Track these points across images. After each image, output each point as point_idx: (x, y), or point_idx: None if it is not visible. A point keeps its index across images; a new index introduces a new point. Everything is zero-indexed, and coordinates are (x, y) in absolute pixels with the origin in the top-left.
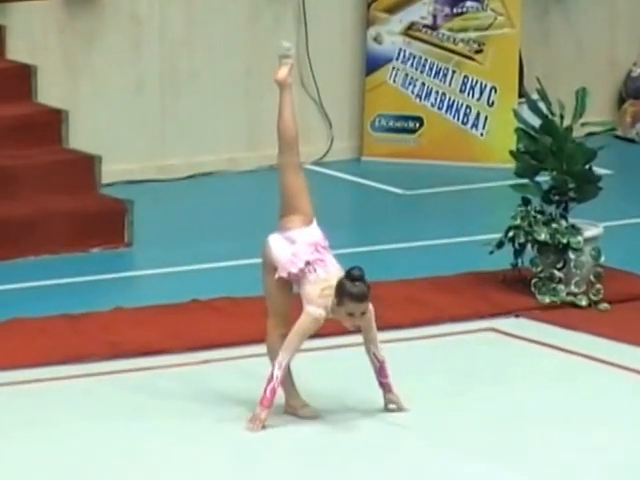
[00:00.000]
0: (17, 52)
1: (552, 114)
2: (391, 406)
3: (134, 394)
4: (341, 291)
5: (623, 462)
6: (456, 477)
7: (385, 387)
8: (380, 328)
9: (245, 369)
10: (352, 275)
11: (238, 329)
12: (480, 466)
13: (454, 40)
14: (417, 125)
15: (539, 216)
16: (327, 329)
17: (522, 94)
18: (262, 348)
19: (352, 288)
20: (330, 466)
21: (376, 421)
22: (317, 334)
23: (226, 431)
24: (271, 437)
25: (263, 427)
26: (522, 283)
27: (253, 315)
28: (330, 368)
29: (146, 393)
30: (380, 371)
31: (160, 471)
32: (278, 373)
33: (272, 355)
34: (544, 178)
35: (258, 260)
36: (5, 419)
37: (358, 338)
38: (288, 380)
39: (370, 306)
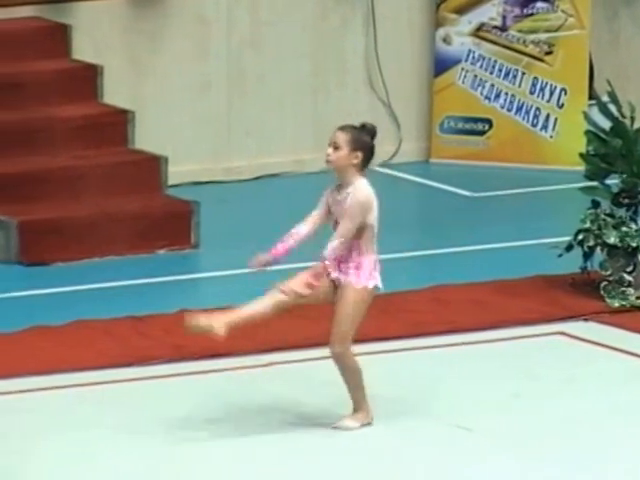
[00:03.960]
0: (83, 52)
1: (622, 116)
2: None
3: (198, 396)
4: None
5: None
6: None
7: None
8: (447, 331)
9: (309, 372)
10: (364, 125)
11: (304, 331)
12: (553, 470)
13: (524, 41)
14: (486, 127)
15: (609, 219)
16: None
17: (592, 96)
18: (325, 351)
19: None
20: (402, 472)
21: (442, 426)
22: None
23: (290, 433)
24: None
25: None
26: (591, 287)
27: (319, 317)
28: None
29: (210, 395)
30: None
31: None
32: (326, 253)
33: None
34: (614, 181)
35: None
36: (68, 421)
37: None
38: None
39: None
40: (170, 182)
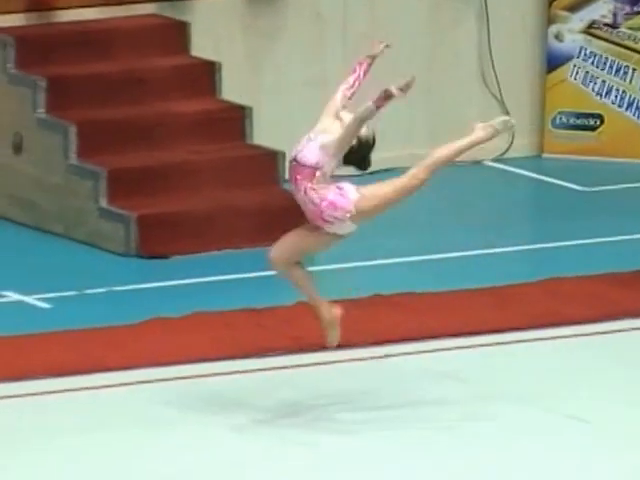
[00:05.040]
0: (202, 49)
1: None
2: None
3: (316, 387)
4: None
5: None
6: None
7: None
8: (561, 324)
9: (424, 364)
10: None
11: (419, 324)
12: None
13: (634, 39)
14: (597, 122)
15: None
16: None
17: None
18: (441, 343)
19: None
20: (520, 464)
21: (558, 418)
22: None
23: (408, 428)
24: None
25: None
26: None
27: (434, 310)
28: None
29: (327, 386)
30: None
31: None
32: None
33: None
34: None
35: (439, 256)
36: (181, 411)
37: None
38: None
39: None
40: (287, 176)
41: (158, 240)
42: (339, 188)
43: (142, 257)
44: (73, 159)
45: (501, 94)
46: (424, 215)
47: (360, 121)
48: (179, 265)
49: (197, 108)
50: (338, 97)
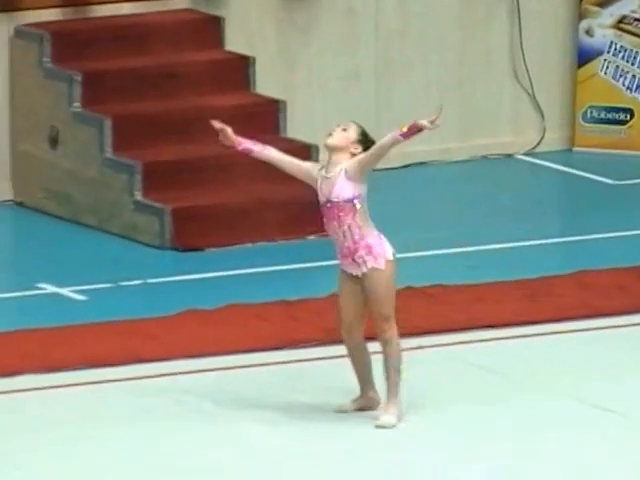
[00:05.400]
0: (235, 44)
1: None
2: None
3: (348, 379)
4: None
5: None
6: None
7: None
8: (591, 316)
9: (456, 355)
10: None
11: (451, 316)
12: None
13: None
14: (627, 117)
15: None
16: None
17: None
18: (473, 335)
19: None
20: (551, 454)
21: (590, 409)
22: None
23: (435, 412)
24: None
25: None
26: None
27: (466, 302)
28: None
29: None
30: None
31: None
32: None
33: None
34: None
35: (470, 248)
36: (215, 402)
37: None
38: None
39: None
40: None
41: (192, 233)
42: (379, 236)
43: (176, 250)
44: (108, 152)
45: (532, 89)
46: (456, 208)
47: (386, 149)
48: (213, 257)
49: (231, 102)
50: (280, 156)
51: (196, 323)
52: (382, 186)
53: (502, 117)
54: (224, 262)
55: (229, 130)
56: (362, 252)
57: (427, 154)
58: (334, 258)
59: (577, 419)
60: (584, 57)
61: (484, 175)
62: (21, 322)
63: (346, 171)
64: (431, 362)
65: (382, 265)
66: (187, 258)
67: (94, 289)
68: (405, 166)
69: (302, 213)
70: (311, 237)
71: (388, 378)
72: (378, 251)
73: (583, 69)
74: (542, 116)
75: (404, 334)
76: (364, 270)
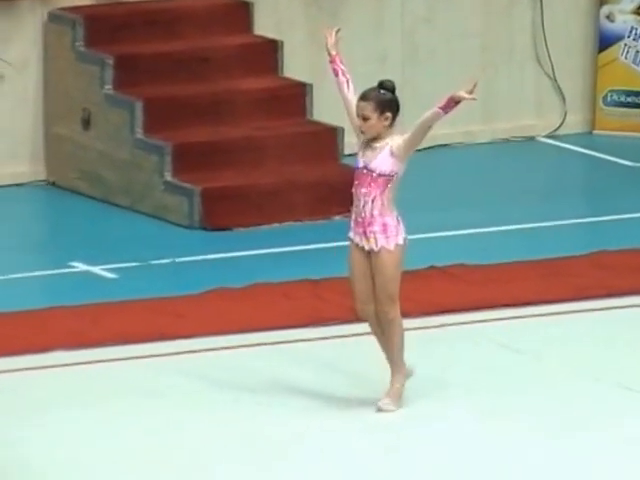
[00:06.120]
0: (264, 28)
1: None
2: None
3: (374, 357)
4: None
5: None
6: None
7: None
8: (607, 295)
9: (478, 334)
10: (381, 83)
11: (473, 295)
12: None
13: None
14: None
15: None
16: None
17: None
18: (494, 314)
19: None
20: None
21: (609, 387)
22: None
23: (458, 389)
24: None
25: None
26: None
27: (487, 281)
28: None
29: (382, 355)
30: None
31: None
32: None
33: None
34: None
35: (492, 229)
36: (243, 377)
37: None
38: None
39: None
40: (346, 152)
41: (221, 213)
42: (398, 219)
43: (205, 229)
44: (139, 134)
45: (554, 73)
46: (478, 189)
47: (428, 126)
48: (241, 237)
49: (260, 85)
50: (350, 98)
51: (224, 301)
52: (405, 168)
53: (524, 100)
54: (252, 242)
55: (334, 44)
56: (376, 228)
57: (450, 136)
58: None
59: (594, 396)
60: (605, 42)
61: (506, 157)
62: (53, 300)
63: (392, 148)
64: (453, 340)
65: (392, 247)
66: (216, 238)
67: (125, 268)
68: (428, 148)
69: (329, 194)
70: (337, 218)
71: (391, 359)
72: (392, 232)
73: (604, 54)
74: (563, 100)
75: (426, 312)
76: (374, 247)
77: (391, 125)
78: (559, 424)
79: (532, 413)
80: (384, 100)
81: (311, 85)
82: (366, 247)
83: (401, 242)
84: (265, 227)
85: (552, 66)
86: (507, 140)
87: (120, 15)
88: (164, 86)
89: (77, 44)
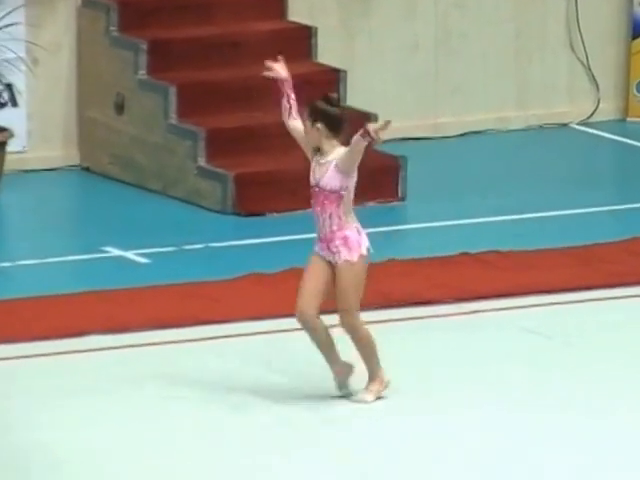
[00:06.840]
0: (298, 14)
1: None
2: None
3: (405, 341)
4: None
5: None
6: None
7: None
8: (632, 283)
9: (510, 320)
10: (325, 96)
11: (505, 281)
12: None
13: None
14: None
15: None
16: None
17: None
18: (526, 300)
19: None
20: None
21: None
22: None
23: (488, 373)
24: None
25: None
26: None
27: (519, 268)
28: None
29: (415, 341)
30: None
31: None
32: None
33: None
34: None
35: (525, 216)
36: (278, 361)
37: None
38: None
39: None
40: None
41: (254, 198)
42: (359, 231)
43: (238, 214)
44: (173, 119)
45: (588, 60)
46: (512, 176)
47: (354, 147)
48: (274, 222)
49: (293, 72)
50: (293, 125)
51: (257, 286)
52: (438, 154)
53: (558, 87)
54: (285, 227)
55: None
56: (338, 242)
57: (483, 123)
58: (392, 224)
59: (626, 380)
60: (638, 29)
61: (540, 144)
62: (87, 284)
63: (336, 162)
64: (486, 326)
65: (355, 258)
66: (248, 223)
67: (158, 252)
68: (462, 135)
69: (361, 180)
70: (369, 204)
71: (365, 362)
72: (353, 244)
73: (637, 41)
74: (597, 87)
75: (459, 299)
76: (337, 260)
77: (330, 137)
78: (589, 407)
79: (564, 396)
80: (315, 109)
81: (345, 71)
82: (332, 261)
83: (364, 252)
84: (298, 212)
85: (585, 53)
86: (540, 127)
87: (153, 1)
88: (196, 71)
89: (111, 29)
